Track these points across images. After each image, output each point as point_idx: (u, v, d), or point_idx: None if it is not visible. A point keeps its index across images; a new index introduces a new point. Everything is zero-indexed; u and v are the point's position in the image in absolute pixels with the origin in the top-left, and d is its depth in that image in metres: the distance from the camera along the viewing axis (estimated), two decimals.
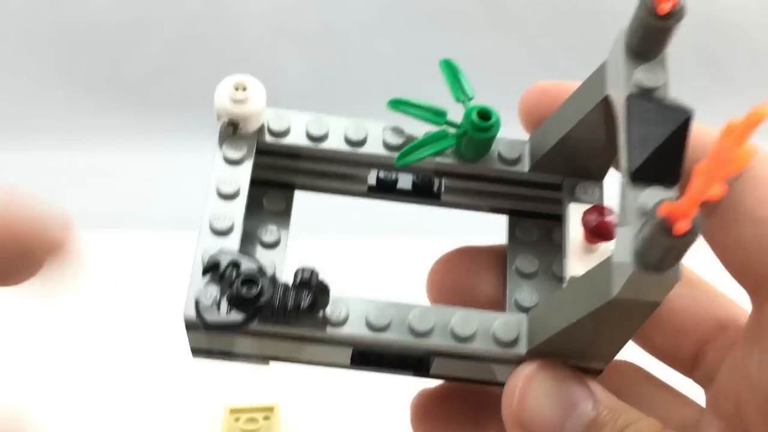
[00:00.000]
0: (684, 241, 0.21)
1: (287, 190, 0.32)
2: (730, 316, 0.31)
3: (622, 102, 0.25)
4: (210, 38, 0.78)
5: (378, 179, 0.32)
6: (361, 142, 0.31)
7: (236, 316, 0.26)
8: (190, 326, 0.27)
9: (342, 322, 0.27)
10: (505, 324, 0.27)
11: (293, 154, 0.31)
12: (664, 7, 0.25)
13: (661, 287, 0.23)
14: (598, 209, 0.29)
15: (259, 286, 0.26)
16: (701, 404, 0.32)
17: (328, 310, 0.27)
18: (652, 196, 0.23)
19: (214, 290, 0.27)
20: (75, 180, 0.77)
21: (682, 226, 0.20)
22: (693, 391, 0.32)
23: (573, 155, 0.30)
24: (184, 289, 0.28)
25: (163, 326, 0.68)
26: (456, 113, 0.31)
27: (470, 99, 0.31)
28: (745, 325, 0.29)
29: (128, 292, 0.69)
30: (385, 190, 0.32)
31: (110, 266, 0.73)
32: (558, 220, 0.32)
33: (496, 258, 0.33)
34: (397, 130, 0.31)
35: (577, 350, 0.27)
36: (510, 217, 0.33)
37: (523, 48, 0.81)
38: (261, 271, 0.27)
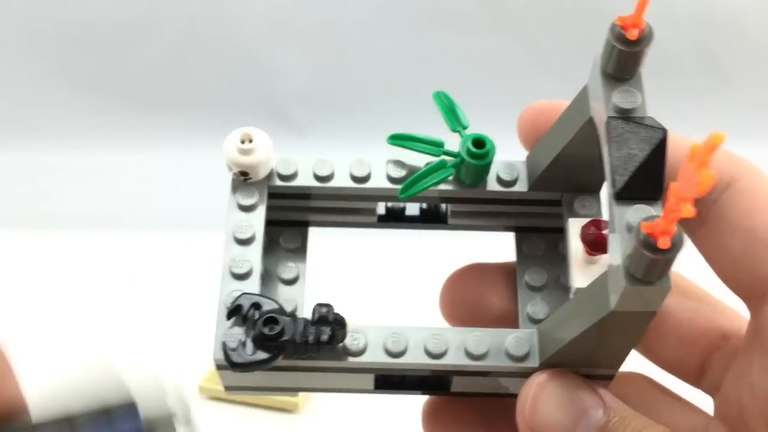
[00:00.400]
0: (667, 256, 0.22)
1: (301, 228, 0.34)
2: (733, 327, 0.31)
3: (603, 125, 0.27)
4: (210, 38, 0.78)
5: (387, 209, 0.34)
6: (366, 178, 0.32)
7: (261, 355, 0.28)
8: (220, 367, 0.29)
9: (361, 352, 0.29)
10: (516, 340, 0.29)
11: (303, 194, 0.33)
12: (633, 33, 0.26)
13: (654, 298, 0.24)
14: (595, 223, 0.30)
15: (281, 325, 0.28)
16: (709, 412, 0.32)
17: (347, 341, 0.29)
18: (637, 213, 0.25)
19: (238, 332, 0.29)
20: (75, 180, 0.78)
21: (664, 243, 0.22)
22: (702, 400, 0.32)
23: (569, 172, 0.31)
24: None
25: (163, 325, 0.68)
26: (453, 141, 0.32)
27: (465, 128, 0.32)
28: (746, 333, 0.30)
29: (128, 292, 0.69)
30: (395, 219, 0.34)
31: (110, 266, 0.73)
32: (563, 232, 0.33)
33: (505, 274, 0.34)
34: (399, 163, 0.33)
35: (587, 359, 0.28)
36: (517, 233, 0.34)
37: (523, 48, 0.81)
38: (281, 310, 0.29)
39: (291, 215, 0.34)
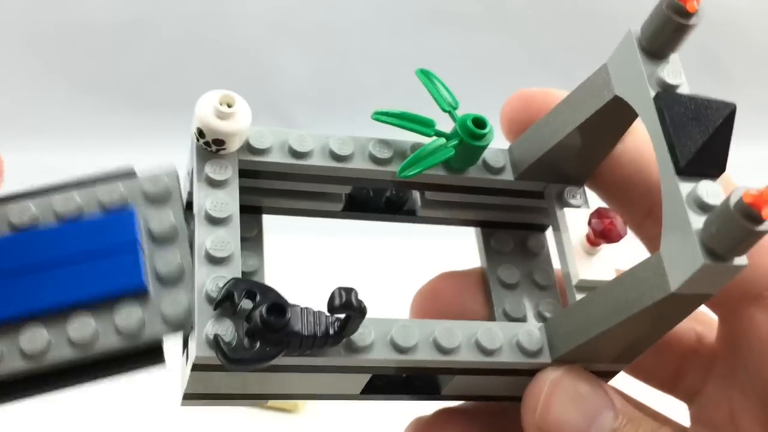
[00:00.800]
0: (765, 227, 0.21)
1: (255, 215, 0.31)
2: (705, 329, 0.31)
3: (649, 99, 0.25)
4: (210, 38, 0.78)
5: (349, 196, 0.31)
6: (348, 157, 0.29)
7: (264, 350, 0.24)
8: (200, 367, 0.25)
9: (368, 348, 0.26)
10: (528, 334, 0.27)
11: (275, 173, 0.30)
12: (694, 5, 0.26)
13: (725, 277, 0.23)
14: (600, 212, 0.29)
15: (288, 314, 0.24)
16: (678, 421, 0.32)
17: (354, 338, 0.26)
18: (706, 189, 0.23)
19: (229, 324, 0.25)
20: None
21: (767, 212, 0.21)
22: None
23: (557, 163, 0.30)
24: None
25: None
26: (442, 121, 0.31)
27: (455, 108, 0.31)
28: (719, 337, 0.29)
29: None
30: (358, 208, 0.32)
31: None
32: (533, 229, 0.32)
33: (478, 279, 0.33)
34: (384, 143, 0.30)
35: (603, 355, 0.27)
36: (482, 229, 0.33)
37: (523, 48, 0.81)
38: (281, 297, 0.25)
39: (248, 199, 0.30)
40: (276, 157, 0.29)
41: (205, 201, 0.27)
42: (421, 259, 0.57)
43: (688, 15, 0.26)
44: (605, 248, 0.29)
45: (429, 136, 0.30)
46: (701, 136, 0.24)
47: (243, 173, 0.29)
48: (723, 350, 0.29)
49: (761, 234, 0.22)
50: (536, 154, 0.30)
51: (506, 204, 0.32)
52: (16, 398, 0.26)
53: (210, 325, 0.25)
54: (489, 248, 0.32)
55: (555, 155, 0.30)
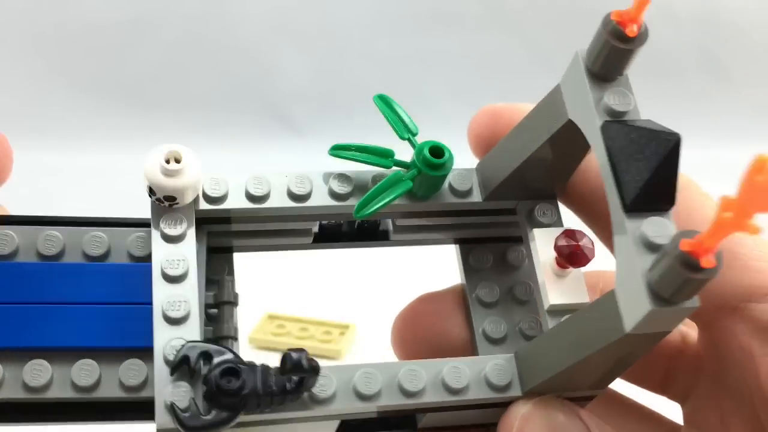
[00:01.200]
0: (706, 275, 0.20)
1: (226, 255, 0.30)
2: (690, 329, 0.30)
3: (596, 130, 0.24)
4: (210, 39, 0.78)
5: (321, 227, 0.30)
6: (306, 196, 0.29)
7: (220, 415, 0.24)
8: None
9: (330, 399, 0.26)
10: (497, 368, 0.27)
11: (235, 218, 0.29)
12: (633, 30, 0.24)
13: (677, 318, 0.22)
14: (569, 233, 0.28)
15: (241, 377, 0.24)
16: (673, 419, 0.31)
17: (315, 390, 0.25)
18: (653, 226, 0.22)
19: (186, 389, 0.25)
20: (75, 180, 0.78)
21: (708, 261, 0.20)
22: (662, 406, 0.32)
23: (526, 180, 0.29)
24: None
25: None
26: (403, 150, 0.29)
27: (414, 135, 0.29)
28: (702, 344, 0.29)
29: None
30: (330, 238, 0.31)
31: None
32: (511, 241, 0.31)
33: (458, 299, 0.32)
34: (343, 178, 0.29)
35: (576, 383, 0.26)
36: (460, 246, 0.32)
37: (523, 48, 0.81)
38: (236, 358, 0.25)
39: (218, 241, 0.30)
40: (234, 203, 0.29)
41: (161, 258, 0.27)
42: (403, 265, 0.58)
43: (628, 40, 0.24)
44: (575, 271, 0.28)
45: (388, 167, 0.29)
46: (646, 171, 0.23)
47: (205, 221, 0.29)
48: (707, 356, 0.29)
49: (703, 281, 0.21)
50: (503, 174, 0.29)
51: (479, 222, 0.31)
52: (10, 422, 0.26)
53: (168, 391, 0.25)
54: (468, 266, 0.32)
55: (522, 173, 0.29)
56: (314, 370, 0.24)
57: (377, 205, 0.28)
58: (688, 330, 0.31)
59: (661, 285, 0.21)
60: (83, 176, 0.78)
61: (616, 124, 0.24)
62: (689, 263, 0.20)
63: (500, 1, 0.79)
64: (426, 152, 0.28)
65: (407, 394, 0.26)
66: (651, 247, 0.22)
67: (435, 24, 0.79)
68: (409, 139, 0.29)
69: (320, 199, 0.29)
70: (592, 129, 0.24)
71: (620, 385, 0.32)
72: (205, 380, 0.24)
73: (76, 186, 0.77)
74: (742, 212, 0.19)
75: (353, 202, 0.29)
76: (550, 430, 0.26)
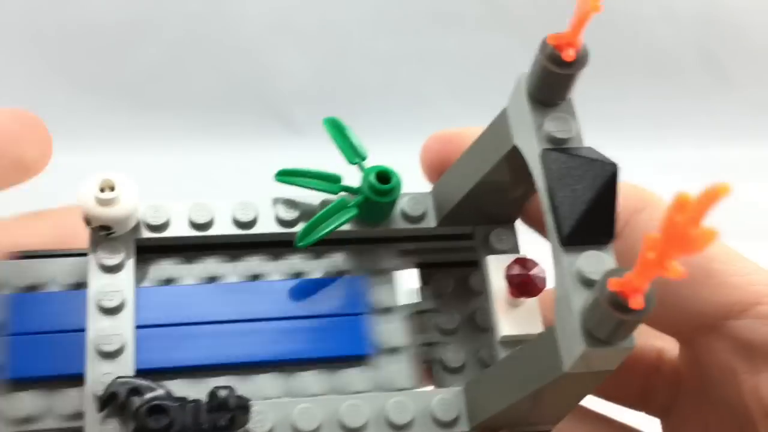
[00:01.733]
0: (636, 317, 0.20)
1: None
2: (666, 344, 0.30)
3: (536, 157, 0.23)
4: (210, 38, 0.78)
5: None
6: (251, 223, 0.28)
7: None
8: None
9: None
10: (443, 402, 0.26)
11: (178, 246, 0.29)
12: (569, 54, 0.23)
13: (614, 358, 0.21)
14: (520, 262, 0.27)
15: (169, 416, 0.23)
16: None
17: (250, 424, 0.25)
18: (589, 262, 0.22)
19: (114, 426, 0.24)
20: (75, 180, 0.77)
21: (636, 302, 0.19)
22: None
23: (481, 204, 0.28)
24: None
25: None
26: (352, 174, 0.29)
27: (363, 159, 0.29)
28: (682, 359, 0.29)
29: None
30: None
31: None
32: (473, 265, 0.30)
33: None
34: (290, 203, 0.29)
35: (524, 420, 0.26)
36: (421, 270, 0.31)
37: (523, 49, 0.81)
38: (166, 394, 0.24)
39: (158, 272, 0.29)
40: (176, 231, 0.28)
41: (96, 289, 0.27)
42: None
43: (566, 65, 0.23)
44: (529, 301, 0.27)
45: (335, 193, 0.29)
46: (582, 204, 0.22)
47: (147, 249, 0.28)
48: (689, 372, 0.29)
49: (634, 322, 0.20)
50: (456, 198, 0.28)
51: (434, 248, 0.30)
52: None
53: (96, 429, 0.24)
54: (426, 293, 0.31)
55: (476, 197, 0.28)
56: (242, 407, 0.24)
57: (320, 234, 0.27)
58: (665, 345, 0.31)
59: (595, 325, 0.20)
60: (83, 176, 0.78)
61: (555, 152, 0.23)
62: (617, 304, 0.19)
63: (500, 1, 0.79)
64: (372, 178, 0.28)
65: (348, 430, 0.25)
66: (587, 283, 0.21)
67: (435, 24, 0.79)
68: (358, 164, 0.28)
69: (266, 225, 0.28)
70: (532, 157, 0.24)
71: (596, 402, 0.32)
72: (133, 417, 0.24)
73: (76, 186, 0.77)
74: (663, 254, 0.18)
75: (300, 227, 0.28)
76: None
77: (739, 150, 0.81)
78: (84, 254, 0.28)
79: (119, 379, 0.24)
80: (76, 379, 0.26)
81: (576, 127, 0.24)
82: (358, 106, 0.81)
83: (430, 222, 0.29)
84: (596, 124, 0.29)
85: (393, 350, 0.28)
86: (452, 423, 0.26)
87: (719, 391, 0.27)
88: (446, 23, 0.79)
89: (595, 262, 0.22)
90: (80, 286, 0.28)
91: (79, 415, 0.26)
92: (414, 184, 0.30)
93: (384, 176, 0.28)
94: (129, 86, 0.79)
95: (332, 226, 0.27)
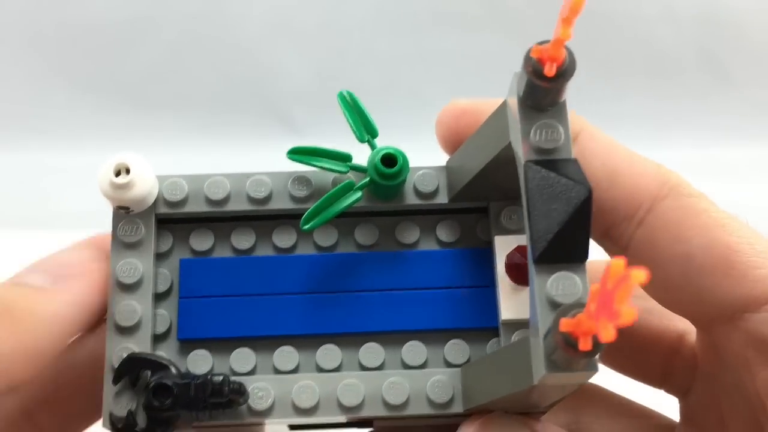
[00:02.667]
0: (590, 357, 0.20)
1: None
2: (687, 325, 0.30)
3: (521, 169, 0.23)
4: (210, 38, 0.78)
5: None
6: (266, 199, 0.29)
7: (154, 427, 0.25)
8: None
9: (268, 411, 0.26)
10: (438, 384, 0.26)
11: (195, 220, 0.29)
12: (551, 69, 0.23)
13: (579, 379, 0.22)
14: (521, 250, 0.27)
15: (173, 393, 0.25)
16: (666, 415, 0.31)
17: (252, 400, 0.26)
18: (559, 284, 0.22)
19: (127, 399, 0.26)
20: (75, 180, 0.77)
21: (585, 344, 0.19)
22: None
23: (493, 181, 0.28)
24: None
25: None
26: (364, 153, 0.29)
27: (374, 137, 0.29)
28: (699, 344, 0.29)
29: None
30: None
31: None
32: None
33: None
34: (303, 180, 0.29)
35: (514, 407, 0.26)
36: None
37: (522, 49, 0.81)
38: (174, 372, 0.26)
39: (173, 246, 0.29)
40: (193, 207, 0.29)
41: (116, 265, 0.27)
42: None
43: (548, 79, 0.23)
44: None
45: (344, 173, 0.29)
46: (557, 224, 0.22)
47: (166, 224, 0.29)
48: (706, 357, 0.29)
49: (588, 358, 0.20)
50: (467, 177, 0.28)
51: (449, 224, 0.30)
52: None
53: (112, 400, 0.25)
54: None
55: (486, 176, 0.28)
56: (236, 392, 0.25)
57: (325, 218, 0.27)
58: (686, 327, 0.31)
59: (555, 357, 0.20)
60: (83, 176, 0.78)
61: (537, 166, 0.23)
62: (569, 343, 0.19)
63: (500, 1, 0.79)
64: (378, 161, 0.28)
65: (345, 409, 0.26)
66: (554, 305, 0.22)
67: (435, 24, 0.79)
68: (368, 142, 0.29)
69: (279, 202, 0.29)
70: (519, 166, 0.24)
71: (617, 379, 0.32)
72: (143, 390, 0.25)
73: (76, 186, 0.77)
74: (596, 314, 0.18)
75: (312, 204, 0.28)
76: None
77: (739, 150, 0.81)
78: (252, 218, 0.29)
79: (132, 356, 0.26)
80: (240, 341, 0.27)
81: (564, 135, 0.24)
82: None
83: (442, 198, 0.29)
84: (596, 123, 0.29)
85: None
86: (446, 404, 0.26)
87: (734, 379, 0.27)
88: (446, 23, 0.79)
89: (565, 284, 0.22)
90: (248, 251, 0.29)
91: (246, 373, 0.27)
92: None
93: (390, 159, 0.28)
94: (128, 86, 0.79)
95: (337, 210, 0.28)
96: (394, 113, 0.84)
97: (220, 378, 0.25)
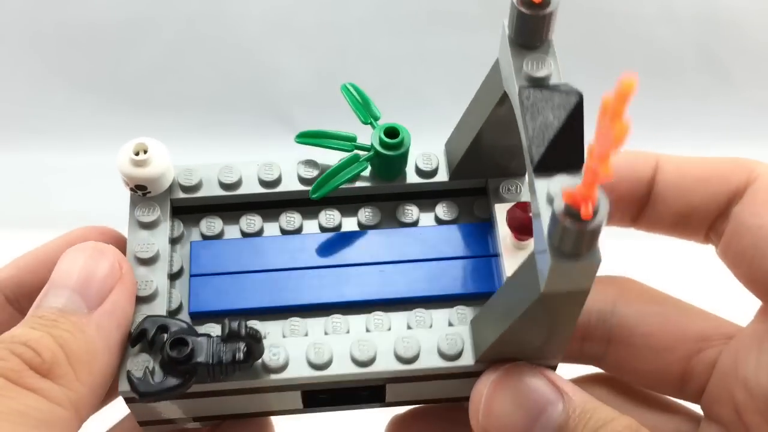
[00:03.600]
0: (592, 226, 0.20)
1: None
2: (710, 327, 0.30)
3: (516, 96, 0.25)
4: (210, 38, 0.78)
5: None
6: (276, 182, 0.30)
7: (171, 381, 0.25)
8: (128, 399, 0.27)
9: (282, 367, 0.27)
10: (449, 337, 0.27)
11: (210, 206, 0.31)
12: None
13: (585, 274, 0.22)
14: (521, 206, 0.28)
15: (190, 346, 0.25)
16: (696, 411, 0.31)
17: (266, 356, 0.27)
18: (557, 184, 0.23)
19: (145, 359, 0.26)
20: (75, 180, 0.77)
21: (586, 211, 0.20)
22: None
23: (491, 155, 0.30)
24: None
25: None
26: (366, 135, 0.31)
27: (377, 119, 0.30)
28: (747, 331, 0.29)
29: None
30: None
31: None
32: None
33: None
34: (310, 163, 0.31)
35: (524, 351, 0.26)
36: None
37: None
38: (190, 330, 0.27)
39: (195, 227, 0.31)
40: (207, 192, 0.31)
41: (134, 242, 0.29)
42: None
43: (535, 6, 0.25)
44: (533, 242, 0.28)
45: (349, 151, 0.30)
46: (551, 133, 0.23)
47: (182, 209, 0.30)
48: (738, 346, 0.29)
49: (592, 230, 0.21)
50: (461, 151, 0.30)
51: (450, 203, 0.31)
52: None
53: (129, 361, 0.26)
54: None
55: (482, 150, 0.29)
56: (252, 336, 0.25)
57: (332, 186, 0.29)
58: (703, 333, 0.30)
59: (559, 240, 0.21)
60: (83, 176, 0.78)
61: (530, 89, 0.24)
62: (569, 213, 0.20)
63: (500, 1, 0.79)
64: (381, 133, 0.29)
65: (358, 363, 0.27)
66: (553, 202, 0.23)
67: (434, 24, 0.79)
68: (371, 123, 0.30)
69: (289, 184, 0.30)
70: (514, 96, 0.25)
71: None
72: (160, 350, 0.26)
73: (76, 186, 0.77)
74: (600, 157, 0.19)
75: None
76: (519, 396, 0.25)
77: (739, 150, 0.81)
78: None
79: (149, 317, 0.27)
80: (250, 314, 0.28)
81: (553, 65, 0.25)
82: None
83: (443, 176, 0.30)
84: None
85: None
86: (457, 356, 0.27)
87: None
88: (446, 23, 0.79)
89: (563, 185, 0.22)
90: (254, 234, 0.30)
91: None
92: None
93: (392, 132, 0.29)
94: (128, 86, 0.79)
95: (343, 179, 0.29)
96: (394, 113, 0.84)
97: (237, 321, 0.26)
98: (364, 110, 0.31)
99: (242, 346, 0.26)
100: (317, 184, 0.29)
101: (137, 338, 0.27)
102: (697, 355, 0.30)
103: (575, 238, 0.21)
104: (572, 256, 0.21)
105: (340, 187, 0.30)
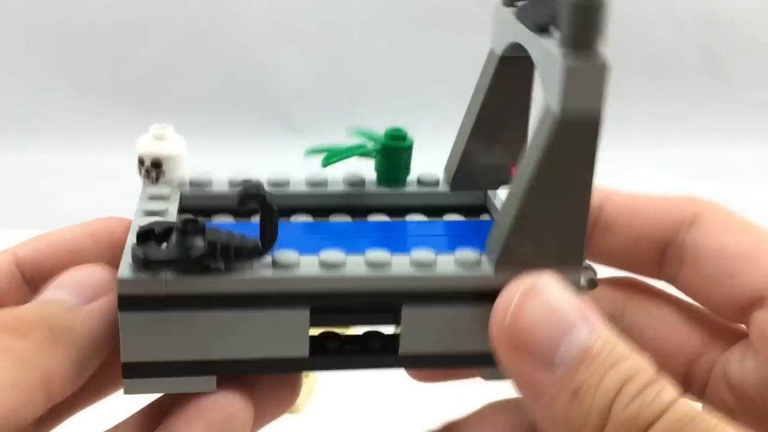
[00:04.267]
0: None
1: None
2: (712, 332, 0.30)
3: (514, 22, 0.27)
4: (210, 38, 0.78)
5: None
6: (285, 183, 0.31)
7: (183, 247, 0.24)
8: (128, 302, 0.25)
9: (296, 265, 0.26)
10: (466, 251, 0.26)
11: (216, 205, 0.31)
12: None
13: (594, 80, 0.23)
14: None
15: (203, 226, 0.24)
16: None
17: (278, 254, 0.26)
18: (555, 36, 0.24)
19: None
20: (75, 180, 0.78)
21: None
22: None
23: (482, 161, 0.30)
24: None
25: None
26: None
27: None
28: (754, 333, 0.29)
29: None
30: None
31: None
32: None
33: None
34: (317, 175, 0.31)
35: (543, 250, 0.26)
36: None
37: None
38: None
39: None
40: (217, 188, 0.31)
41: (137, 224, 0.27)
42: None
43: None
44: None
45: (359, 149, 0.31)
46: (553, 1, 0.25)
47: (189, 208, 0.30)
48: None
49: (601, 6, 0.22)
50: (457, 158, 0.30)
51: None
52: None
53: (132, 246, 0.25)
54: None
55: (473, 154, 0.30)
56: (262, 196, 0.24)
57: (340, 157, 0.30)
58: (702, 340, 0.30)
59: (566, 29, 0.22)
60: (83, 176, 0.78)
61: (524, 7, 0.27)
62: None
63: (500, 1, 0.79)
64: (387, 130, 0.31)
65: (372, 264, 0.26)
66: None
67: (434, 24, 0.79)
68: (376, 143, 0.31)
69: (298, 186, 0.31)
70: (508, 27, 0.27)
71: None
72: (176, 245, 0.24)
73: (76, 186, 0.77)
74: None
75: (329, 189, 0.30)
76: (551, 307, 0.25)
77: (739, 150, 0.81)
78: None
79: (158, 222, 0.25)
80: None
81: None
82: (358, 105, 0.81)
83: (444, 187, 0.31)
84: None
85: None
86: (474, 264, 0.26)
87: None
88: (446, 23, 0.79)
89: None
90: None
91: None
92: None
93: (397, 130, 0.31)
94: (129, 86, 0.79)
95: (352, 153, 0.30)
96: (394, 113, 0.84)
97: (257, 183, 0.25)
98: (370, 136, 0.32)
99: (255, 237, 0.25)
100: (327, 156, 0.30)
101: (143, 236, 0.25)
102: (699, 358, 0.30)
103: (584, 17, 0.22)
104: (583, 47, 0.23)
105: (342, 202, 0.30)
